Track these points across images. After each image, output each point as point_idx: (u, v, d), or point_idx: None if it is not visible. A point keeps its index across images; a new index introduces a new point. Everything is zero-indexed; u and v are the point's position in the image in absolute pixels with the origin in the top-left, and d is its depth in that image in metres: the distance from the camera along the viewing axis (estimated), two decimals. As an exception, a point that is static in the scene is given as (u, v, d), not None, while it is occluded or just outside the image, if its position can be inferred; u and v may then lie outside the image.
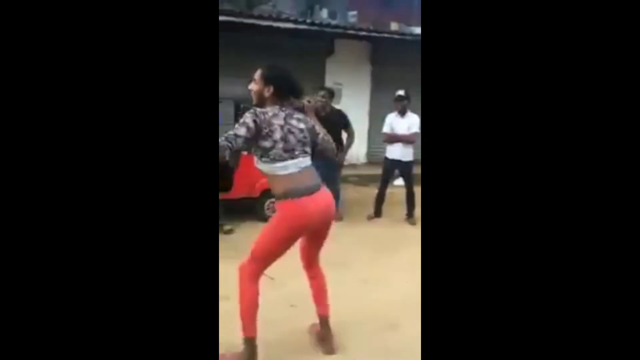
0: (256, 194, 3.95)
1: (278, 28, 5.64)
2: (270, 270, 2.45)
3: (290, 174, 1.75)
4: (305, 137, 1.79)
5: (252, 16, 5.61)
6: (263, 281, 2.68)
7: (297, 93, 1.87)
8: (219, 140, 1.62)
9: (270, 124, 1.70)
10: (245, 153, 3.88)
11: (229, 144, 1.60)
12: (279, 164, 1.74)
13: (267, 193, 3.99)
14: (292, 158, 1.75)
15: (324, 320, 2.01)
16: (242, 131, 1.64)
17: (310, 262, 2.02)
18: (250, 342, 1.79)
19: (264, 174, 1.81)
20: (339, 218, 4.01)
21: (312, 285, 2.04)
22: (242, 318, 1.78)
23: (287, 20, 5.78)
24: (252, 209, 4.03)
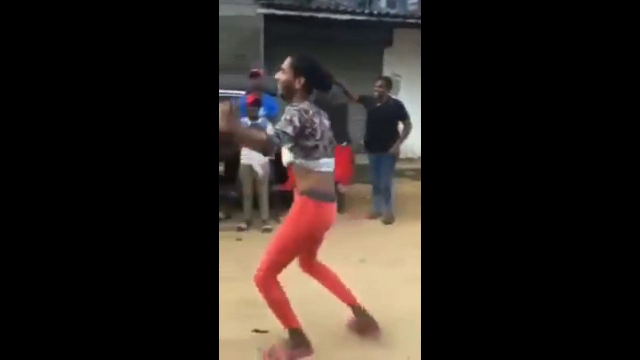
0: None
1: (336, 20, 5.62)
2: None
3: (327, 172, 1.76)
4: (332, 136, 1.78)
5: (309, 9, 5.64)
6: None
7: (328, 87, 1.80)
8: (269, 131, 1.65)
9: (312, 123, 1.68)
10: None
11: (278, 140, 1.60)
12: (322, 161, 1.73)
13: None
14: (327, 157, 1.74)
15: (356, 308, 1.98)
16: (289, 129, 1.62)
17: (310, 262, 1.98)
18: (296, 332, 1.81)
19: (299, 171, 1.75)
20: (389, 221, 3.91)
21: (323, 283, 1.99)
22: (278, 316, 1.78)
23: (344, 11, 5.74)
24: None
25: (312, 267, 1.96)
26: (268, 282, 1.74)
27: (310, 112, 1.69)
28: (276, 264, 1.76)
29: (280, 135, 1.60)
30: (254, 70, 3.83)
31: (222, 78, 3.76)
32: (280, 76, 1.75)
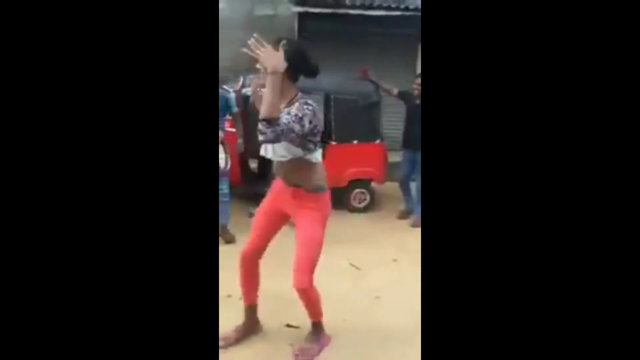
0: (344, 184, 4.01)
1: (370, 16, 5.56)
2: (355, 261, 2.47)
3: (320, 163, 1.77)
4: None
5: (344, 6, 5.61)
6: (346, 271, 2.72)
7: (314, 74, 1.71)
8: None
9: (318, 120, 1.64)
10: (333, 143, 3.96)
11: (281, 133, 1.51)
12: (318, 153, 1.73)
13: (354, 184, 4.02)
14: (319, 147, 1.74)
15: (254, 307, 1.99)
16: (297, 128, 1.53)
17: (260, 254, 1.94)
18: (320, 324, 1.89)
19: (298, 165, 1.70)
20: (417, 225, 3.71)
21: (250, 279, 1.94)
22: (314, 312, 1.87)
23: (379, 7, 5.66)
24: (339, 198, 4.10)
25: (255, 259, 1.89)
26: (308, 287, 1.77)
27: (315, 108, 1.64)
28: (315, 264, 1.81)
29: (285, 131, 1.51)
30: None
31: (255, 78, 3.84)
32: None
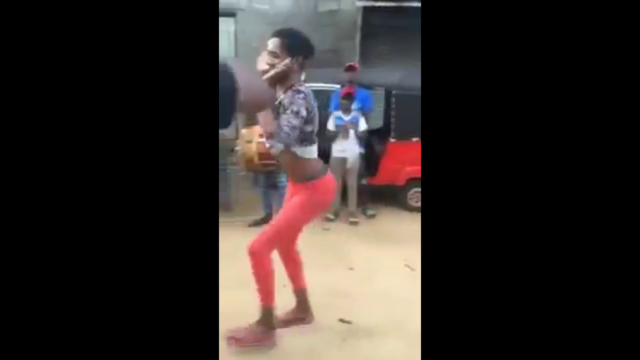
0: (401, 182, 3.92)
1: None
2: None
3: (318, 160, 1.74)
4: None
5: (408, -1, 5.46)
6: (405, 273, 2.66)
7: (312, 52, 1.63)
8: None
9: (313, 106, 1.58)
10: (392, 140, 3.87)
11: (288, 136, 1.52)
12: (315, 147, 1.69)
13: (412, 182, 3.92)
14: (315, 143, 1.69)
15: (303, 291, 1.93)
16: (297, 122, 1.51)
17: (290, 245, 1.90)
18: (268, 311, 1.77)
19: (295, 160, 1.67)
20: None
21: (289, 265, 1.90)
22: (260, 290, 1.73)
23: None
24: (396, 196, 4.02)
25: (289, 251, 1.89)
26: (261, 253, 1.67)
27: (310, 94, 1.58)
28: (276, 240, 1.73)
29: (290, 131, 1.50)
30: (350, 63, 3.84)
31: (318, 72, 3.86)
32: (272, 62, 1.51)
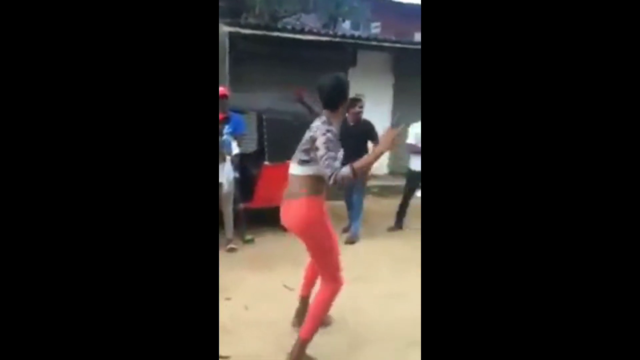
0: (278, 204, 3.96)
1: (301, 40, 5.72)
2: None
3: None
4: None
5: (275, 29, 5.71)
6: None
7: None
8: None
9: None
10: (267, 163, 3.92)
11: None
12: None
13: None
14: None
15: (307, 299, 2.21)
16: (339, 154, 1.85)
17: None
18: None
19: (308, 179, 1.90)
20: (352, 241, 3.89)
21: (310, 274, 2.24)
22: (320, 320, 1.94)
23: (310, 32, 5.85)
24: (273, 218, 4.05)
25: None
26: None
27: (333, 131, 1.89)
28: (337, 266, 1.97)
29: (332, 159, 1.74)
30: (221, 90, 3.78)
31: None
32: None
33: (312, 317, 1.90)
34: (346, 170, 1.70)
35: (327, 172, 1.70)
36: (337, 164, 1.74)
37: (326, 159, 1.73)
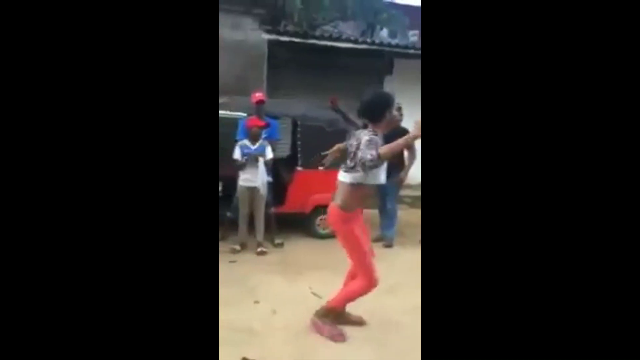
0: (308, 209, 3.98)
1: (338, 48, 5.75)
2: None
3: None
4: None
5: (313, 36, 5.77)
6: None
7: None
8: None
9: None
10: (300, 169, 3.95)
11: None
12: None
13: (319, 209, 4.01)
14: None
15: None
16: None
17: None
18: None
19: (344, 187, 2.03)
20: (389, 244, 3.91)
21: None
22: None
23: (347, 40, 5.88)
24: (303, 224, 4.07)
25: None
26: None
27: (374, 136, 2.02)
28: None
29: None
30: (258, 95, 3.86)
31: (226, 99, 3.80)
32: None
33: (341, 297, 2.18)
34: (372, 152, 1.81)
35: (364, 158, 1.82)
36: (370, 155, 1.83)
37: (362, 153, 1.85)
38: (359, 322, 2.31)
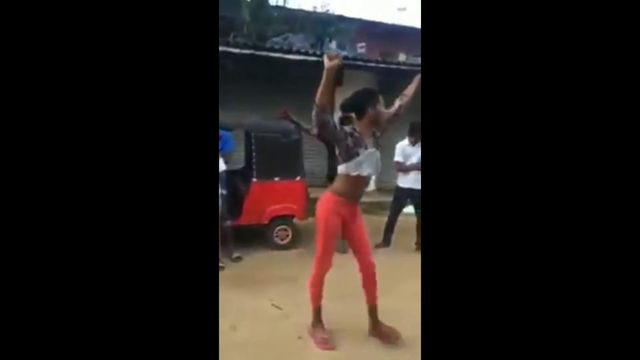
0: (266, 220, 3.95)
1: (289, 60, 5.82)
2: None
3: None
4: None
5: (263, 48, 5.80)
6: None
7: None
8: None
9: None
10: (255, 180, 3.92)
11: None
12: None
13: (277, 220, 3.99)
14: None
15: (373, 308, 2.28)
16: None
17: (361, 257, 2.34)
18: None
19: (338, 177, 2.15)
20: (344, 250, 3.97)
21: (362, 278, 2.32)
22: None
23: (297, 52, 5.97)
24: (262, 235, 4.02)
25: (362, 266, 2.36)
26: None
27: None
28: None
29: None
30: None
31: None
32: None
33: (374, 286, 2.24)
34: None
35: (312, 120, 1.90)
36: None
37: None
38: (393, 336, 2.19)
